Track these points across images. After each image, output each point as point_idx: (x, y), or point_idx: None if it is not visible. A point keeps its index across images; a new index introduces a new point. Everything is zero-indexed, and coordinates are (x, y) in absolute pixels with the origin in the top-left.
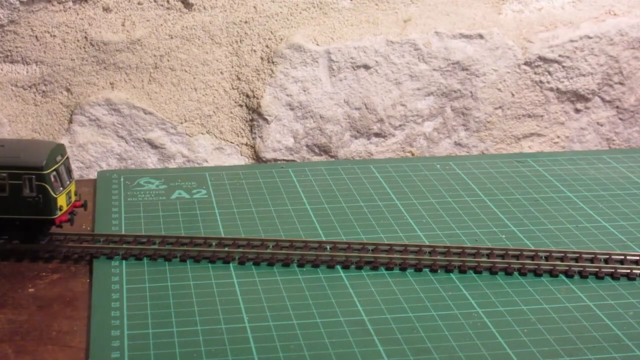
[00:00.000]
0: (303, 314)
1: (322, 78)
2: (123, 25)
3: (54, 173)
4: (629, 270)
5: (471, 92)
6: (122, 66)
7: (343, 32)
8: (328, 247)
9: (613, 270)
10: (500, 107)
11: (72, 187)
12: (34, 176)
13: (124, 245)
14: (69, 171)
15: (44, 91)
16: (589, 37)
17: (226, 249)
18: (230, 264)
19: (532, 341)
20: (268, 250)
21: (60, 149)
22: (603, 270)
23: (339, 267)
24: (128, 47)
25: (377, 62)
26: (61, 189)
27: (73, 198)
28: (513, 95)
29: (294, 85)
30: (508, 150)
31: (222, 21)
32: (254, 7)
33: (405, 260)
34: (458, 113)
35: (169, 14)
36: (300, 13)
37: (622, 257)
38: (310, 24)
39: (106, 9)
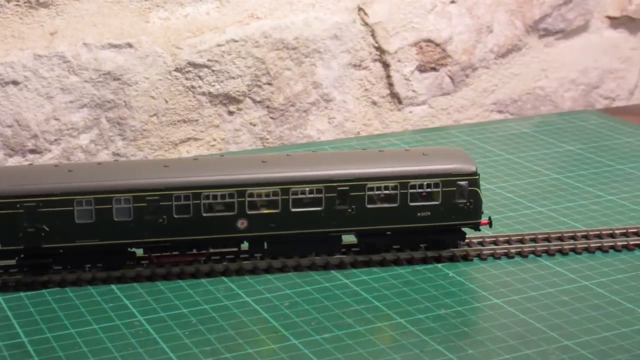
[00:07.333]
0: None
1: None
2: None
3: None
4: (282, 265)
5: (125, 102)
6: None
7: None
8: None
9: (268, 266)
10: (155, 114)
11: None
12: (467, 182)
13: None
14: None
15: None
16: (235, 41)
17: None
18: None
19: (194, 342)
20: None
21: None
22: (259, 267)
23: None
24: None
25: (26, 77)
26: None
27: None
28: (167, 101)
29: None
30: (166, 157)
31: None
32: None
33: (64, 279)
34: (114, 123)
35: None
36: None
37: None
38: None
39: None
